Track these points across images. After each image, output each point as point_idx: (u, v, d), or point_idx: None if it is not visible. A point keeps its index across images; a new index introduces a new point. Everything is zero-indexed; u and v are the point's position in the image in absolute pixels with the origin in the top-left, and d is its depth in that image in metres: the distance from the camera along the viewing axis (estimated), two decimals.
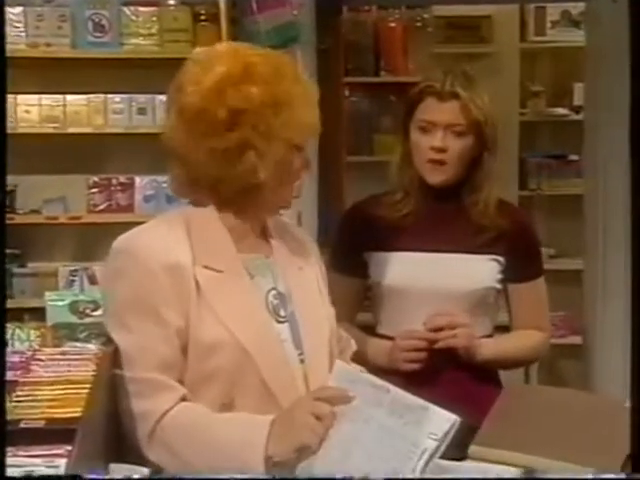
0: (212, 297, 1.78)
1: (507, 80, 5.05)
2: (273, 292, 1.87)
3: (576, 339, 4.31)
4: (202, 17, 4.03)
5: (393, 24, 4.96)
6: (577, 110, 5.07)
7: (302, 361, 1.85)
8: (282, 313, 1.87)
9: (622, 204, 3.63)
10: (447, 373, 2.37)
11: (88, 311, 2.07)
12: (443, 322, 2.35)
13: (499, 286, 2.44)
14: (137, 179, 4.12)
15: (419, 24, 4.98)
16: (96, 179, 4.15)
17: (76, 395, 1.65)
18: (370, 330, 2.48)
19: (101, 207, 4.14)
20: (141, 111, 4.04)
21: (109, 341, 1.81)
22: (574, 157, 5.11)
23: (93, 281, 4.05)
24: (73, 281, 4.09)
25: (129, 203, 4.11)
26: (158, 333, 1.75)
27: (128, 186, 4.12)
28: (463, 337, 2.35)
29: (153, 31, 4.03)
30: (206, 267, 1.79)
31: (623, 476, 1.64)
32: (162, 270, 1.75)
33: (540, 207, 5.11)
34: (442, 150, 2.34)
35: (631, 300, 1.54)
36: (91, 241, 4.20)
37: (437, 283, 2.38)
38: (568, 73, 5.20)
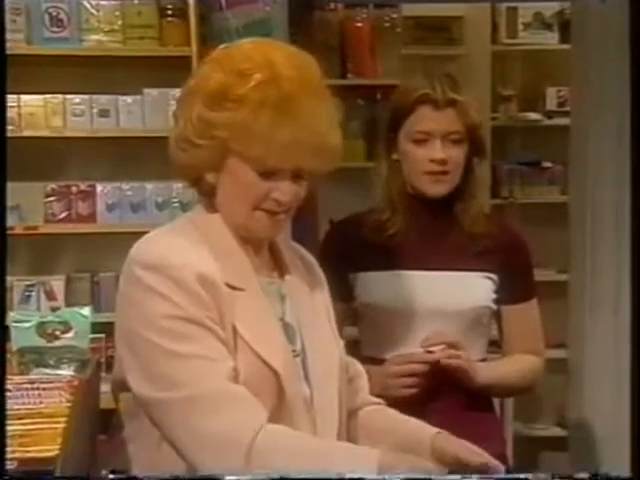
0: (238, 318, 1.62)
1: (478, 84, 4.96)
2: (280, 323, 1.72)
3: (554, 353, 4.24)
4: (169, 12, 3.89)
5: (360, 24, 4.81)
6: (550, 115, 5.02)
7: (310, 398, 1.71)
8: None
9: (611, 213, 3.54)
10: (441, 400, 2.28)
11: (58, 333, 1.94)
12: (443, 340, 2.25)
13: (494, 306, 2.35)
14: (99, 186, 3.95)
15: (387, 24, 4.84)
16: (54, 186, 3.97)
17: (51, 430, 1.52)
18: (355, 350, 2.30)
19: (60, 217, 3.96)
20: (103, 113, 3.87)
21: (83, 366, 1.69)
22: (547, 164, 5.06)
23: (50, 297, 3.89)
24: (29, 297, 3.92)
25: (90, 212, 3.94)
26: (218, 346, 1.60)
27: (89, 194, 3.94)
28: (464, 357, 2.25)
29: (116, 27, 3.88)
30: (228, 285, 1.62)
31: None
32: (200, 286, 1.59)
33: (513, 215, 5.00)
34: (444, 162, 2.26)
35: (631, 305, 1.55)
36: (49, 253, 4.06)
37: (429, 302, 2.29)
38: (541, 77, 5.13)
